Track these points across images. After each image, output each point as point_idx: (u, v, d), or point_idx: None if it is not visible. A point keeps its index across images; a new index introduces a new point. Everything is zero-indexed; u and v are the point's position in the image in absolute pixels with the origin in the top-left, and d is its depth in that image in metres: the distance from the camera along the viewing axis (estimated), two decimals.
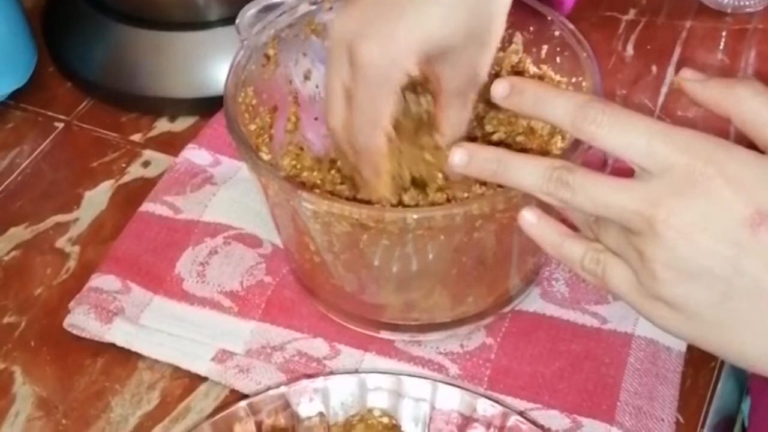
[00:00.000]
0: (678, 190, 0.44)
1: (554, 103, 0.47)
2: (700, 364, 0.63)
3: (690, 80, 0.47)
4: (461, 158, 0.51)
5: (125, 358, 0.65)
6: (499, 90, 0.50)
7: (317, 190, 0.62)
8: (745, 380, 0.68)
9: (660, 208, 0.44)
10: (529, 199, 0.57)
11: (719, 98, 0.46)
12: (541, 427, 0.58)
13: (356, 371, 0.62)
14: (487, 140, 0.66)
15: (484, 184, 0.60)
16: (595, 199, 0.46)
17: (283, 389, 0.58)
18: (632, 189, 0.45)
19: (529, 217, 0.51)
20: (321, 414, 0.58)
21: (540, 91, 0.48)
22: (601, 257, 0.48)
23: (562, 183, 0.47)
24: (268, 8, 0.66)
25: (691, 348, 0.64)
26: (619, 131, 0.45)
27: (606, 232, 0.48)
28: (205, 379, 0.63)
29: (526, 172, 0.49)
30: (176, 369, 0.64)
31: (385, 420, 0.55)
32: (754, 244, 0.43)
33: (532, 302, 0.66)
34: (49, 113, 0.81)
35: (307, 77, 0.68)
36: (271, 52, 0.65)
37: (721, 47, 0.84)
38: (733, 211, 0.43)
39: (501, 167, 0.50)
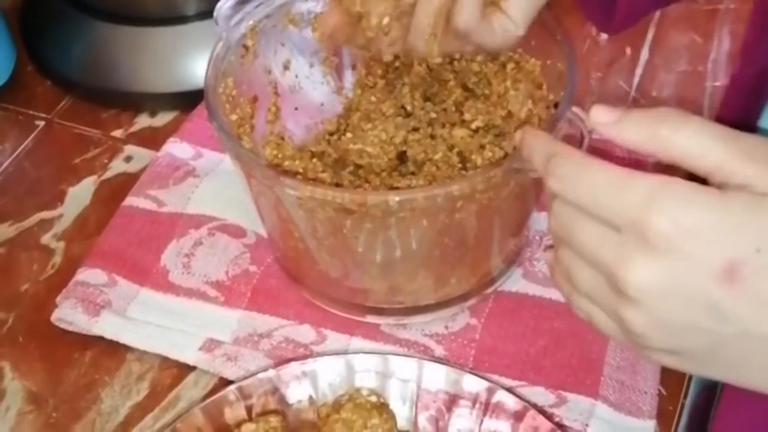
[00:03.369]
0: (640, 248, 0.41)
1: (534, 150, 0.48)
2: None
3: (605, 124, 0.44)
4: (519, 139, 0.52)
5: (113, 350, 0.65)
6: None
7: (300, 177, 0.62)
8: None
9: (628, 270, 0.41)
10: (508, 179, 0.59)
11: (642, 142, 0.43)
12: (526, 401, 0.59)
13: (344, 352, 0.62)
14: (466, 128, 0.67)
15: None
16: (574, 233, 0.44)
17: (271, 373, 0.59)
18: (606, 240, 0.42)
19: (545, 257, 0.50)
20: (310, 398, 0.59)
21: (532, 140, 0.49)
22: (589, 307, 0.46)
23: (554, 177, 0.45)
24: (245, 0, 0.66)
25: None
26: (575, 189, 0.44)
27: (581, 280, 0.45)
28: (193, 368, 0.64)
29: (538, 155, 0.48)
30: (165, 359, 0.64)
31: (374, 399, 0.55)
32: (732, 296, 0.40)
33: (515, 282, 0.67)
34: (30, 112, 0.81)
35: (286, 67, 0.69)
36: (249, 43, 0.66)
37: (694, 28, 0.85)
38: (703, 267, 0.40)
39: (528, 149, 0.50)
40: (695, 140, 0.41)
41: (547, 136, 0.48)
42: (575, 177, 0.44)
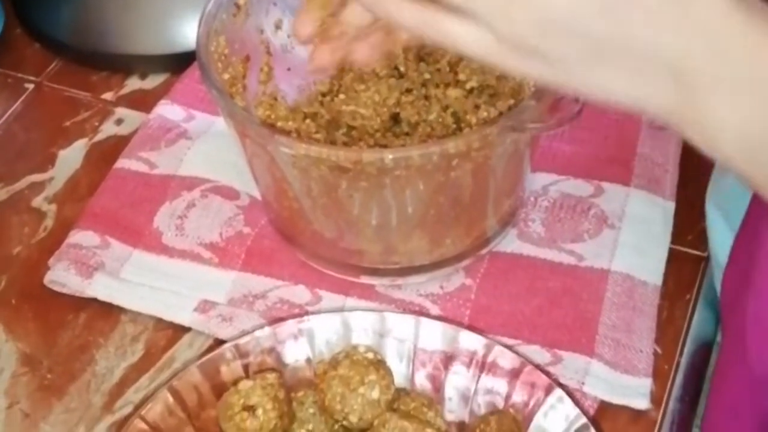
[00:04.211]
0: None
1: None
2: (675, 297, 0.65)
3: None
4: None
5: (107, 311, 0.65)
6: None
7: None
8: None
9: None
10: (504, 137, 0.58)
11: None
12: (523, 357, 0.59)
13: (341, 310, 0.62)
14: (460, 88, 0.67)
15: None
16: None
17: (268, 330, 0.59)
18: None
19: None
20: (308, 359, 0.59)
21: None
22: (435, 23, 0.43)
23: None
24: None
25: (666, 281, 0.65)
26: None
27: None
28: (188, 329, 0.64)
29: None
30: (159, 321, 0.64)
31: (370, 356, 0.55)
32: None
33: (510, 243, 0.67)
34: (19, 75, 0.80)
35: (278, 27, 0.68)
36: (241, 1, 0.65)
37: None
38: None
39: None
40: None
41: None
42: None
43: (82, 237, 0.67)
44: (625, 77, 0.41)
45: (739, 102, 0.38)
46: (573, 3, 0.40)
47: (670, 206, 0.68)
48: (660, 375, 0.61)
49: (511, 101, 0.65)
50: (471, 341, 0.59)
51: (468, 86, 0.67)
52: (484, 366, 0.58)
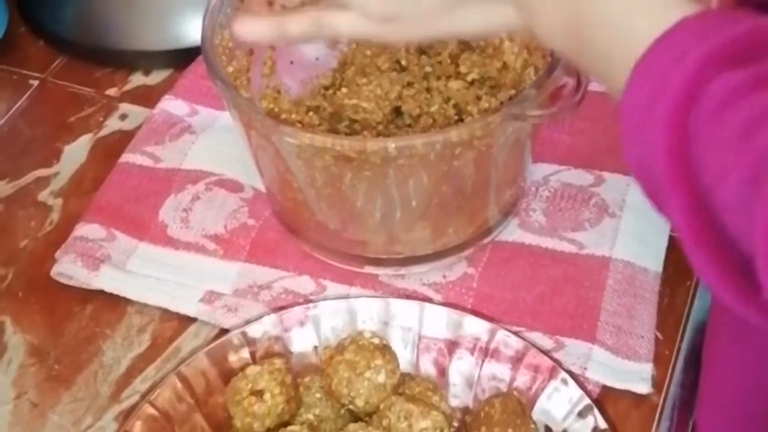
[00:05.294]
0: None
1: None
2: (676, 284, 0.65)
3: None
4: None
5: (114, 303, 0.65)
6: None
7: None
8: None
9: None
10: (506, 126, 0.59)
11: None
12: (527, 341, 0.59)
13: (346, 296, 0.63)
14: (461, 80, 0.68)
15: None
16: None
17: (274, 317, 0.60)
18: None
19: (240, 27, 0.53)
20: (314, 346, 0.60)
21: None
22: (322, 20, 0.52)
23: None
24: None
25: (667, 268, 0.65)
26: None
27: None
28: (194, 320, 0.64)
29: None
30: (165, 312, 0.65)
31: (376, 341, 0.56)
32: None
33: (511, 232, 0.68)
34: (24, 71, 0.81)
35: None
36: None
37: None
38: None
39: None
40: None
41: None
42: None
43: (88, 230, 0.68)
44: (477, 14, 0.50)
45: (556, 11, 0.47)
46: None
47: None
48: (661, 360, 0.62)
49: (512, 92, 0.66)
50: (475, 326, 0.59)
51: (469, 78, 0.67)
52: (488, 352, 0.59)
